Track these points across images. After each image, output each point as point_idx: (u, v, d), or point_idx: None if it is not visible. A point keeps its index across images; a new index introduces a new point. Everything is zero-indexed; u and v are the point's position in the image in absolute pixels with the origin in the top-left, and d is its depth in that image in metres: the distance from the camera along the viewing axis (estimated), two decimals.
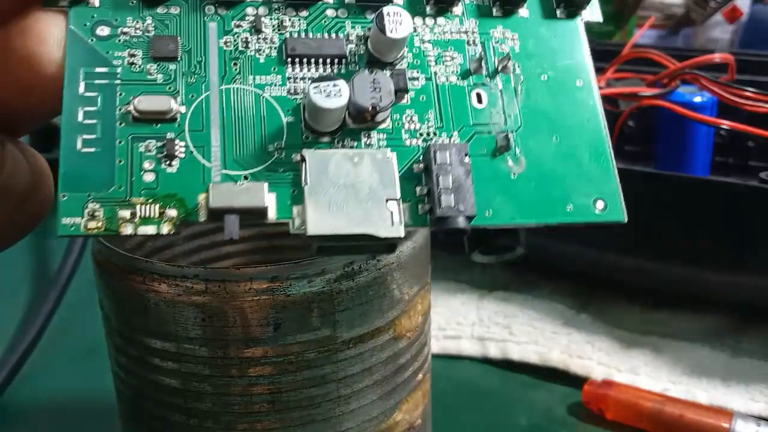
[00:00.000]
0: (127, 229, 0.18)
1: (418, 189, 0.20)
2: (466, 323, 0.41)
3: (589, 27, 0.24)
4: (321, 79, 0.20)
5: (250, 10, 0.22)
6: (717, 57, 0.42)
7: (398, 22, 0.21)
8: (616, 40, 0.68)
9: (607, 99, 0.44)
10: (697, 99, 0.42)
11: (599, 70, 0.48)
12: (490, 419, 0.36)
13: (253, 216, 0.19)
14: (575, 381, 0.37)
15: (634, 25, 0.68)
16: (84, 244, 0.45)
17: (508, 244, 0.21)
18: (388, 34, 0.21)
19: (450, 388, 0.37)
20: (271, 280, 0.23)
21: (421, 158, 0.21)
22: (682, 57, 0.43)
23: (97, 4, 0.21)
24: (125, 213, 0.19)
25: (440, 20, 0.22)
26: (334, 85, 0.20)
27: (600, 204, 0.21)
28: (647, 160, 0.46)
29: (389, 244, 0.20)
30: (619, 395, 0.35)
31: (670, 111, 0.41)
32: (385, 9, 0.21)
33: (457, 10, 0.23)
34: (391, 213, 0.19)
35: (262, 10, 0.22)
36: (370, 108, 0.20)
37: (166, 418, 0.25)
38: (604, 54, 0.51)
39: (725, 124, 0.40)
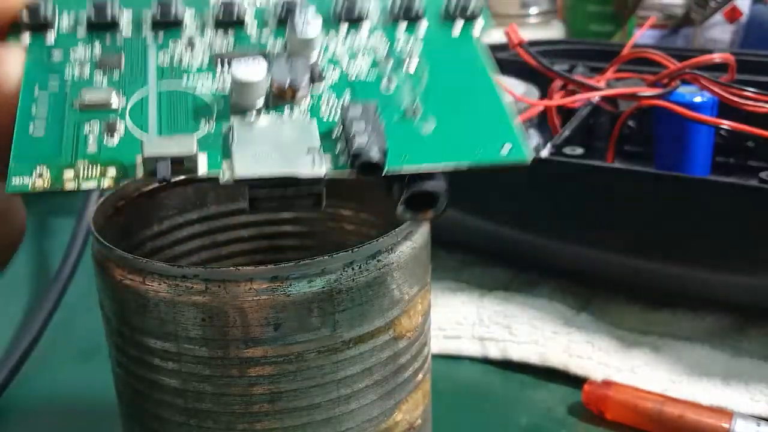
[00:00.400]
0: (71, 185, 0.21)
1: (337, 145, 0.22)
2: (466, 323, 0.41)
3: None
4: (242, 56, 0.23)
5: (184, 32, 0.25)
6: (717, 57, 0.42)
7: (308, 23, 0.24)
8: (616, 40, 0.69)
9: (607, 99, 0.44)
10: (697, 99, 0.42)
11: (599, 70, 0.48)
12: (490, 419, 0.36)
13: (185, 165, 0.21)
14: (575, 381, 0.37)
15: (634, 26, 0.68)
16: (84, 245, 0.45)
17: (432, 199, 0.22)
18: (299, 34, 0.24)
19: (450, 388, 0.37)
20: (271, 280, 0.23)
21: (338, 124, 0.23)
22: (682, 57, 0.43)
23: (52, 38, 0.25)
24: (69, 173, 0.21)
25: (351, 32, 0.26)
26: (254, 60, 0.23)
27: (505, 148, 0.23)
28: (647, 160, 0.46)
29: (315, 196, 0.22)
30: (619, 395, 0.35)
31: (670, 111, 0.41)
32: (297, 14, 0.25)
33: (365, 25, 0.26)
34: (312, 157, 0.21)
35: (195, 31, 0.25)
36: (288, 84, 0.23)
37: (166, 418, 0.25)
38: (604, 54, 0.51)
39: (725, 124, 0.40)
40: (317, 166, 0.21)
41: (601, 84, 0.44)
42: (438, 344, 0.40)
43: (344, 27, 0.26)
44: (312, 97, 0.24)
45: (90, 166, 0.21)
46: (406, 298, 0.26)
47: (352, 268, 0.24)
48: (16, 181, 0.21)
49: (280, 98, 0.23)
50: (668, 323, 0.41)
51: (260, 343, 0.24)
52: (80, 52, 0.24)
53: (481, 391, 0.38)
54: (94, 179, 0.21)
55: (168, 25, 0.25)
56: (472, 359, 0.40)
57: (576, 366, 0.38)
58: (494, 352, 0.40)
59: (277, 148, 0.22)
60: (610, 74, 0.46)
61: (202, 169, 0.21)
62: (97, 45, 0.25)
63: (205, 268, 0.23)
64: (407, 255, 0.25)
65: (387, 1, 0.27)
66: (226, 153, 0.22)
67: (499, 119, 0.23)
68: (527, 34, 0.44)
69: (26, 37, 0.25)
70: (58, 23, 0.25)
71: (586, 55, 0.54)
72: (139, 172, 0.21)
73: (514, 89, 0.47)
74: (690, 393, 0.36)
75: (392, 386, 0.26)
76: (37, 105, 0.23)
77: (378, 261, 0.25)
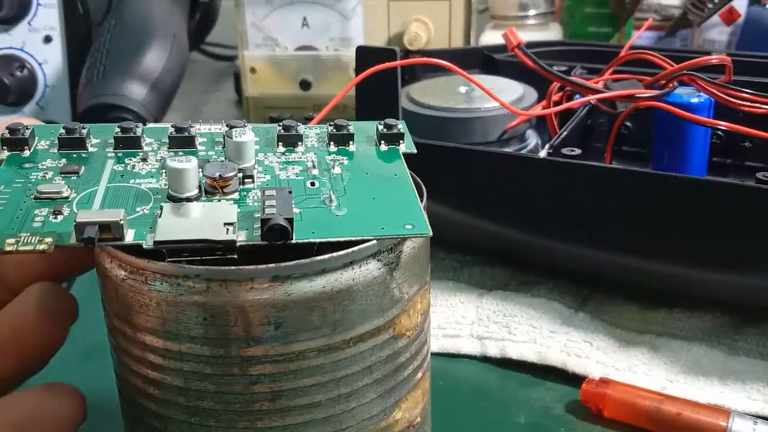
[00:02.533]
0: (9, 248, 0.23)
1: (255, 224, 0.24)
2: (465, 322, 0.42)
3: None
4: (177, 154, 0.28)
5: (141, 153, 0.29)
6: (714, 58, 0.42)
7: (243, 132, 0.28)
8: (614, 41, 0.69)
9: (605, 101, 0.44)
10: (695, 100, 0.42)
11: (597, 72, 0.49)
12: (489, 417, 0.36)
13: (112, 231, 0.23)
14: (573, 379, 0.37)
15: (631, 27, 0.68)
16: None
17: None
18: (234, 138, 0.27)
19: (449, 387, 0.38)
20: (272, 280, 0.23)
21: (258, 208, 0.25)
22: (679, 58, 0.43)
23: (27, 154, 0.28)
24: (11, 240, 0.24)
25: (287, 153, 0.29)
26: (186, 156, 0.26)
27: (409, 226, 0.25)
28: (645, 160, 0.47)
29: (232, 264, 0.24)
30: (617, 394, 0.35)
31: (668, 112, 0.41)
32: (234, 125, 0.29)
33: (300, 148, 0.29)
34: (227, 229, 0.24)
35: (150, 153, 0.29)
36: (218, 176, 0.26)
37: (168, 417, 0.26)
38: (601, 56, 0.52)
39: (722, 125, 0.41)
40: (230, 235, 0.24)
41: (599, 85, 0.44)
42: (437, 343, 0.40)
43: (281, 149, 0.29)
44: (241, 192, 0.26)
45: (30, 236, 0.24)
46: (405, 298, 0.26)
47: (353, 268, 0.24)
48: None
49: (212, 190, 0.26)
50: (665, 322, 0.41)
51: (261, 342, 0.24)
52: (48, 163, 0.28)
53: (480, 389, 0.38)
54: (31, 245, 0.24)
55: (128, 144, 0.29)
56: (471, 358, 0.40)
57: (574, 364, 0.38)
58: (493, 350, 0.40)
59: (197, 221, 0.24)
60: (608, 76, 0.46)
61: (129, 238, 0.24)
62: (64, 160, 0.28)
63: (206, 268, 0.23)
64: (407, 255, 0.26)
65: (323, 131, 0.30)
66: (153, 227, 0.24)
67: (408, 207, 0.26)
68: (525, 36, 0.44)
69: (4, 152, 0.28)
70: (35, 144, 0.29)
71: (584, 56, 0.54)
72: (72, 238, 0.24)
73: (512, 91, 0.48)
74: (687, 391, 0.36)
75: (392, 385, 0.27)
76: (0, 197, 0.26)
77: (378, 261, 0.25)
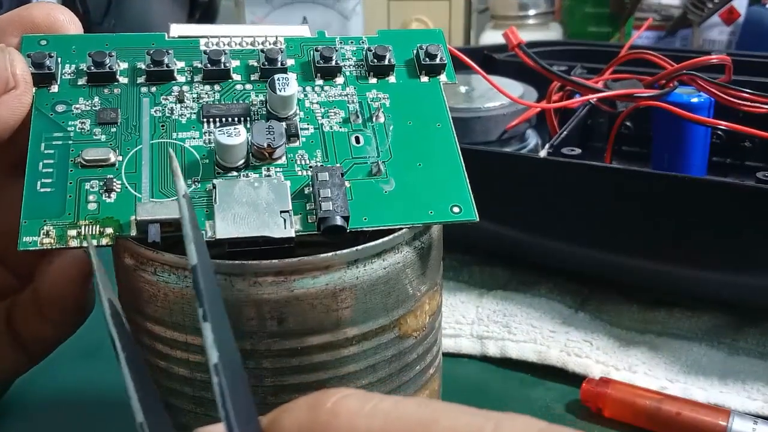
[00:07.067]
0: (74, 243, 0.24)
1: (307, 205, 0.25)
2: (465, 322, 0.42)
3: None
4: (225, 124, 0.27)
5: (175, 88, 0.28)
6: (714, 58, 0.42)
7: (286, 84, 0.26)
8: (614, 41, 0.69)
9: (604, 100, 0.44)
10: (695, 100, 0.42)
11: (597, 71, 0.49)
12: None
13: (172, 225, 0.24)
14: (573, 379, 0.37)
15: (631, 27, 0.69)
16: None
17: None
18: (278, 93, 0.26)
19: (449, 386, 0.37)
20: (276, 275, 0.24)
21: (309, 182, 0.25)
22: (679, 58, 0.43)
23: (56, 90, 0.27)
24: (72, 232, 0.24)
25: (326, 87, 0.28)
26: (235, 128, 0.25)
27: (456, 209, 0.25)
28: (645, 160, 0.47)
29: (288, 251, 0.24)
30: (617, 393, 0.35)
31: (668, 112, 0.41)
32: (276, 75, 0.27)
33: (339, 80, 0.28)
34: (284, 220, 0.24)
35: (185, 87, 0.28)
36: (266, 146, 0.25)
37: (176, 406, 0.26)
38: (601, 55, 0.52)
39: (722, 124, 0.41)
40: (288, 229, 0.24)
41: (599, 85, 0.44)
42: None
43: (320, 81, 0.28)
44: (287, 155, 0.26)
45: (90, 225, 0.24)
46: (412, 298, 0.26)
47: (357, 267, 0.24)
48: (26, 239, 0.24)
49: (259, 157, 0.26)
50: (665, 322, 0.41)
51: (264, 336, 0.24)
52: (81, 106, 0.27)
53: (480, 388, 0.38)
54: (94, 238, 0.24)
55: (160, 77, 0.27)
56: (471, 357, 0.40)
57: (574, 364, 0.38)
58: (493, 350, 0.40)
59: (254, 210, 0.24)
60: (608, 75, 0.46)
61: None
62: (96, 99, 0.27)
63: (211, 261, 0.23)
64: (414, 255, 0.26)
65: (360, 56, 0.29)
66: (209, 214, 0.24)
67: (454, 181, 0.26)
68: (526, 36, 0.44)
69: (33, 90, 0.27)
70: (61, 75, 0.27)
71: (584, 56, 0.54)
72: (133, 231, 0.24)
73: (512, 90, 0.48)
74: (687, 391, 0.36)
75: (397, 384, 0.26)
76: (43, 161, 0.25)
77: (383, 260, 0.25)
